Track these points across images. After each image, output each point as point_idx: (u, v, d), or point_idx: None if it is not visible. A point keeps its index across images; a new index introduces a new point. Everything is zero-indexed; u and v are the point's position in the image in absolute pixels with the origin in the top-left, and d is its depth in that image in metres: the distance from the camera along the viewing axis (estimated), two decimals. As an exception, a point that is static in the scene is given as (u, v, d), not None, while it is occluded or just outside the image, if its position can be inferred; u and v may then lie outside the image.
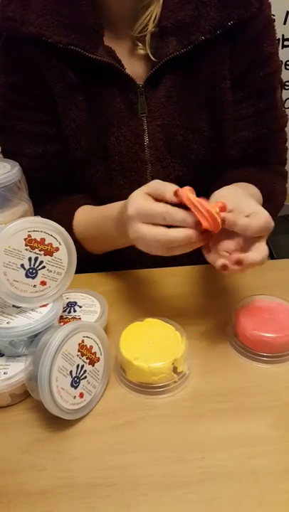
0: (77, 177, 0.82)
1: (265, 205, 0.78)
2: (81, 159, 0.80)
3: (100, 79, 0.74)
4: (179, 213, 0.57)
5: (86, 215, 0.78)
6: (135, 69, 0.76)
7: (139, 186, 0.80)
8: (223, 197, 0.61)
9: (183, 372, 0.58)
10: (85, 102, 0.76)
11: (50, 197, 0.82)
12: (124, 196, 0.81)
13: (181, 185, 0.82)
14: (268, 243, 1.27)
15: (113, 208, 0.70)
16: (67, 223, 0.75)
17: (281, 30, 1.58)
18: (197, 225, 0.56)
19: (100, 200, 0.81)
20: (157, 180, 0.62)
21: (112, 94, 0.76)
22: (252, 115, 0.81)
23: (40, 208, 0.69)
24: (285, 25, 1.59)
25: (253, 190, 0.77)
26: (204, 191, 0.85)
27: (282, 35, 1.61)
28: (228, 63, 0.76)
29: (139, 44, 0.75)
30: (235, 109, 0.80)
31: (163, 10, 0.72)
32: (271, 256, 1.23)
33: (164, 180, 0.80)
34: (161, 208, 0.58)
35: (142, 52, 0.75)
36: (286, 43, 1.62)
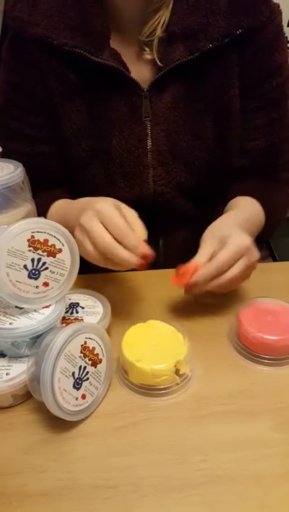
0: (78, 179, 0.82)
1: (268, 221, 0.80)
2: (82, 161, 0.80)
3: (104, 82, 0.75)
4: (133, 239, 0.58)
5: (59, 209, 0.79)
6: (141, 73, 0.76)
7: (141, 190, 0.81)
8: (215, 229, 0.68)
9: (185, 374, 0.58)
10: (85, 104, 0.77)
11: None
12: (125, 199, 0.81)
13: (184, 191, 0.83)
14: (270, 245, 1.27)
15: (77, 205, 0.71)
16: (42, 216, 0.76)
17: (286, 32, 1.57)
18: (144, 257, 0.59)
19: None
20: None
21: (116, 97, 0.76)
22: (266, 125, 0.81)
23: None
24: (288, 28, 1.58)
25: (254, 208, 0.79)
26: (206, 197, 0.85)
27: (286, 38, 1.60)
28: (237, 71, 0.76)
29: (146, 49, 0.75)
30: (250, 119, 0.80)
31: (172, 15, 0.72)
32: (274, 258, 1.23)
33: (167, 184, 0.81)
34: (122, 223, 0.59)
35: (148, 56, 0.75)
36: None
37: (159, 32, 0.73)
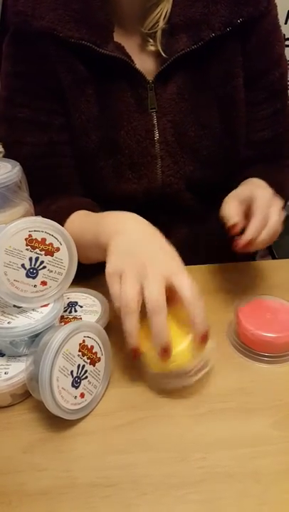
0: (86, 171, 0.82)
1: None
2: (90, 153, 0.79)
3: (111, 73, 0.75)
4: (130, 324, 0.55)
5: (80, 220, 0.74)
6: (145, 65, 0.76)
7: (149, 181, 0.81)
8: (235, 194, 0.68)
9: (204, 356, 0.56)
10: (94, 95, 0.76)
11: (51, 191, 0.80)
12: (134, 191, 0.80)
13: (191, 183, 0.82)
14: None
15: (106, 223, 0.67)
16: (60, 220, 0.72)
17: (282, 29, 1.58)
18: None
19: (107, 195, 0.81)
20: None
21: (122, 88, 0.76)
22: (271, 115, 0.82)
23: (39, 202, 0.67)
24: (286, 25, 1.59)
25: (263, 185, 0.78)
26: (212, 192, 0.85)
27: (284, 35, 1.60)
28: (241, 61, 0.76)
29: (150, 40, 0.75)
30: (256, 111, 0.81)
31: (173, 7, 0.73)
32: (273, 256, 1.23)
33: (175, 175, 0.81)
34: (131, 296, 0.55)
35: (152, 48, 0.75)
36: (287, 42, 1.62)
37: (161, 24, 0.74)
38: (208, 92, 0.78)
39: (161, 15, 0.73)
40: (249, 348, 0.61)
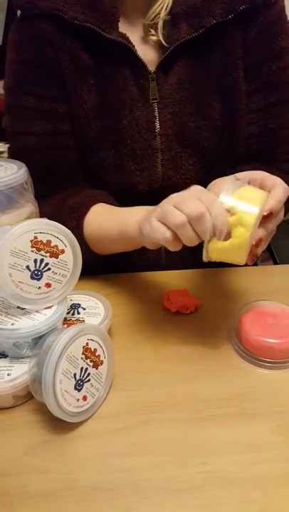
0: (87, 162, 0.82)
1: None
2: (92, 142, 0.79)
3: (113, 61, 0.75)
4: (221, 207, 0.54)
5: (101, 214, 0.75)
6: (148, 56, 0.77)
7: (150, 174, 0.80)
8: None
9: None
10: (96, 84, 0.77)
11: (57, 183, 0.80)
12: (136, 183, 0.79)
13: (191, 178, 0.81)
14: (270, 248, 1.26)
15: (134, 213, 0.68)
16: (80, 216, 0.74)
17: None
18: None
19: (110, 187, 0.80)
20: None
21: (125, 77, 0.76)
22: (261, 109, 0.80)
23: (49, 197, 0.66)
24: None
25: None
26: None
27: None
28: (242, 53, 0.76)
29: (152, 30, 0.76)
30: (246, 103, 0.80)
31: None
32: (274, 261, 1.23)
33: (174, 168, 0.80)
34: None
35: (154, 38, 0.76)
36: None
37: (163, 14, 0.74)
38: (210, 83, 0.78)
39: (163, 6, 0.74)
40: (251, 353, 0.61)
